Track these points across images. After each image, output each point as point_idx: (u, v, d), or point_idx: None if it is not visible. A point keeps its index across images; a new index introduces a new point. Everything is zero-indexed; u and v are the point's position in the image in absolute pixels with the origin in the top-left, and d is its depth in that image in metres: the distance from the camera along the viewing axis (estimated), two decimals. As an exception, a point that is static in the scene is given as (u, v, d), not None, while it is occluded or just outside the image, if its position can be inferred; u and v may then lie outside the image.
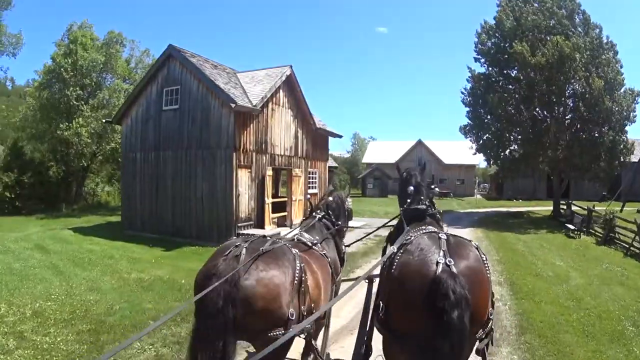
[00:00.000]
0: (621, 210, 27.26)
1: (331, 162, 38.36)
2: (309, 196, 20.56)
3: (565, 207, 28.64)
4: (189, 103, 17.85)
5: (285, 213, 20.57)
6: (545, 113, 29.51)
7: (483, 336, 3.60)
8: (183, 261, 13.94)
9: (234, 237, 5.14)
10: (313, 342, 4.31)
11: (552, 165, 30.11)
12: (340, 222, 5.93)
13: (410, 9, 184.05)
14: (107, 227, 22.06)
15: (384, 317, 3.63)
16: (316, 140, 23.17)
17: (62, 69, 28.75)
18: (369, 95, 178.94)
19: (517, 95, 29.09)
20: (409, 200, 4.81)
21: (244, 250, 3.61)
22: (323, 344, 5.35)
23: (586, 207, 24.79)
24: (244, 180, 17.14)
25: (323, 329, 5.21)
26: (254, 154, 17.75)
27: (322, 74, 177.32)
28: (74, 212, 28.27)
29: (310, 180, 22.92)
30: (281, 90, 19.68)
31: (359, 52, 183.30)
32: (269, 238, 4.12)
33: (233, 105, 16.01)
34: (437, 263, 3.26)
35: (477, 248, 3.67)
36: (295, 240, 4.75)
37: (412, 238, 3.73)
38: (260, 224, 17.98)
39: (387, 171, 55.93)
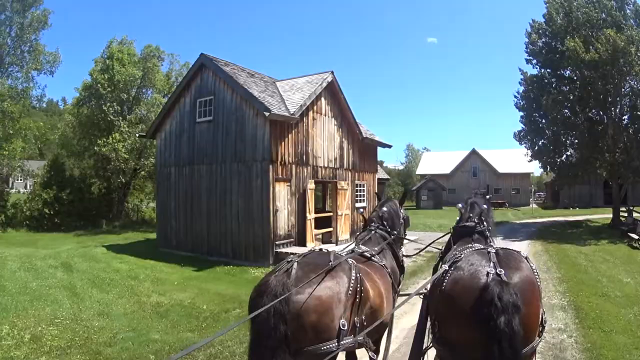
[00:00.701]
0: None
1: (382, 174, 36.55)
2: (362, 210, 19.90)
3: (626, 214, 25.87)
4: (222, 114, 16.57)
5: (331, 229, 18.76)
6: (602, 114, 26.84)
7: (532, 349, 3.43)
8: (212, 283, 12.83)
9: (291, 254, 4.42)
10: (371, 353, 4.16)
11: (610, 170, 27.42)
12: (395, 232, 5.70)
13: (459, 16, 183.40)
14: (143, 244, 21.08)
15: (438, 334, 3.58)
16: (364, 150, 21.34)
17: (99, 85, 28.47)
18: (422, 106, 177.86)
19: (571, 97, 26.51)
20: (458, 218, 5.05)
21: (295, 265, 3.53)
22: (385, 354, 5.06)
23: None
24: (282, 194, 15.57)
25: (385, 340, 5.01)
26: (293, 166, 16.17)
27: (374, 86, 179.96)
28: (114, 228, 27.58)
29: (358, 193, 21.09)
30: (323, 98, 18.06)
31: (410, 64, 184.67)
32: (325, 251, 4.02)
33: (267, 114, 14.51)
34: (488, 274, 3.26)
35: (526, 258, 3.66)
36: (354, 253, 4.58)
37: (462, 255, 3.74)
38: (302, 242, 16.30)
39: (442, 182, 54.69)
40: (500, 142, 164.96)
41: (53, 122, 36.62)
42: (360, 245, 4.97)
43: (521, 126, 29.82)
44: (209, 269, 14.75)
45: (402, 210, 6.13)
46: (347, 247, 5.02)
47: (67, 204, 27.76)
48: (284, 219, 15.65)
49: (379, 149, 23.53)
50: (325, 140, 18.22)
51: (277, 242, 15.23)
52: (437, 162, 64.35)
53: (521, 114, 29.51)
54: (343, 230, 18.84)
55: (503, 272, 3.24)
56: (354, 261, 3.93)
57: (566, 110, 26.68)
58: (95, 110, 29.12)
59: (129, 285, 12.15)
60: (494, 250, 3.62)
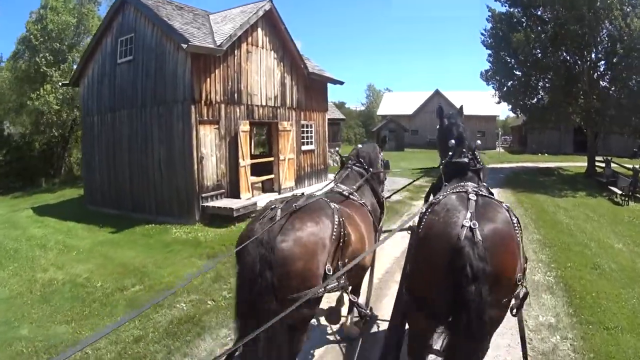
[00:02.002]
0: None
1: (337, 114, 33.89)
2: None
3: (603, 164, 23.61)
4: (143, 52, 13.87)
5: (272, 176, 16.23)
6: (576, 58, 24.16)
7: (513, 302, 3.20)
8: (123, 248, 10.86)
9: (273, 199, 3.97)
10: (351, 296, 3.96)
11: (585, 117, 25.16)
12: (371, 169, 5.31)
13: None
14: (72, 203, 18.70)
15: (409, 281, 3.54)
16: (310, 87, 18.38)
17: (32, 36, 25.88)
18: (385, 46, 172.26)
19: (543, 36, 23.57)
20: (450, 153, 4.32)
21: (278, 212, 3.37)
22: (368, 295, 5.38)
23: (632, 167, 20.11)
24: (209, 138, 13.00)
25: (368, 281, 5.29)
26: (222, 106, 13.51)
27: (334, 24, 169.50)
28: (53, 186, 25.26)
29: (305, 134, 18.32)
30: (259, 29, 15.23)
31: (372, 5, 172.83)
32: (304, 194, 3.84)
33: (185, 46, 11.90)
34: (463, 226, 2.99)
35: (508, 210, 3.31)
36: (332, 191, 4.55)
37: (441, 197, 3.47)
38: (235, 192, 13.82)
39: (404, 123, 51.44)
40: (465, 85, 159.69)
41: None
42: (338, 184, 4.82)
43: (488, 65, 27.15)
44: (129, 229, 12.62)
45: (381, 154, 5.77)
46: (326, 185, 4.86)
47: (4, 165, 25.70)
48: (211, 167, 13.13)
49: (339, 89, 21.06)
50: (263, 76, 15.44)
51: (203, 195, 12.76)
52: (399, 102, 60.06)
53: (489, 52, 26.84)
54: (287, 176, 16.42)
55: (477, 225, 2.97)
56: (336, 205, 3.80)
57: (538, 51, 23.96)
58: (31, 63, 26.35)
59: (32, 257, 10.62)
60: (474, 198, 3.28)
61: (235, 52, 14.08)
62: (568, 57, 24.42)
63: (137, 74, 14.03)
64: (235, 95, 14.08)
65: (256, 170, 15.60)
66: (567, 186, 21.30)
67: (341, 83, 20.01)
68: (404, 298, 3.62)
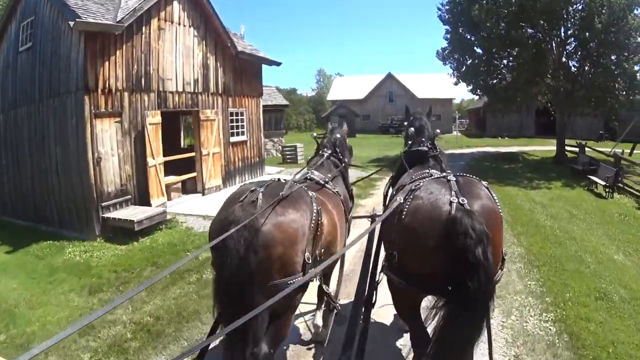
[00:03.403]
0: (630, 154, 20.90)
1: (281, 100, 31.74)
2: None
3: (575, 149, 22.50)
4: (41, 37, 11.54)
5: (194, 174, 13.98)
6: (546, 34, 22.54)
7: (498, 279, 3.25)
8: (7, 277, 8.80)
9: (247, 183, 3.82)
10: (325, 287, 4.11)
11: (555, 98, 23.77)
12: (346, 159, 5.59)
13: None
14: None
15: (397, 264, 3.36)
16: (241, 70, 15.94)
17: None
18: (336, 30, 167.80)
19: (506, 11, 21.42)
20: (410, 142, 4.89)
21: (260, 196, 3.26)
22: (337, 287, 5.52)
23: (612, 152, 18.82)
24: (108, 135, 10.67)
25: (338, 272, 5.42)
26: (126, 94, 11.15)
27: (282, 9, 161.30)
28: None
29: (235, 123, 15.90)
30: (175, 2, 12.80)
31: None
32: (284, 180, 3.83)
33: (71, 24, 9.64)
34: (451, 203, 3.04)
35: (487, 187, 3.40)
36: (307, 179, 4.57)
37: (421, 184, 3.45)
38: (144, 198, 11.54)
39: (355, 108, 49.34)
40: (418, 68, 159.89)
41: None
42: (313, 171, 4.78)
43: (445, 43, 25.23)
44: (25, 248, 10.33)
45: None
46: (300, 172, 4.73)
47: None
48: (113, 169, 10.79)
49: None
50: (179, 57, 13.02)
51: (104, 204, 10.44)
52: (350, 87, 57.82)
53: (446, 27, 24.86)
54: (212, 174, 14.20)
55: (465, 201, 3.03)
56: (314, 193, 3.76)
57: (502, 26, 21.81)
58: None
59: None
60: (454, 178, 3.35)
61: (143, 29, 11.68)
62: (536, 33, 22.62)
63: (35, 63, 11.70)
64: (143, 80, 11.68)
65: (178, 168, 13.44)
66: (537, 175, 19.82)
67: (278, 64, 17.58)
68: (392, 279, 3.52)
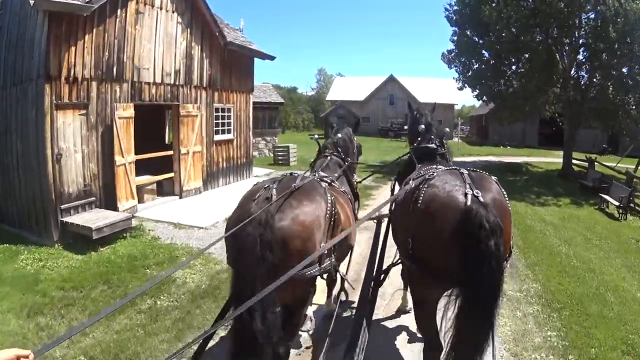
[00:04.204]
0: (636, 170, 19.66)
1: (276, 97, 30.54)
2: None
3: (583, 163, 21.46)
4: (9, 18, 10.30)
5: (172, 174, 12.75)
6: (557, 41, 21.27)
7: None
8: None
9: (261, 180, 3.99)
10: (340, 272, 4.13)
11: (564, 108, 22.64)
12: (349, 159, 5.66)
13: None
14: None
15: (412, 251, 3.39)
16: (231, 62, 14.73)
17: None
18: (338, 29, 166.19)
19: (514, 15, 20.08)
20: (419, 139, 4.92)
21: (274, 192, 3.32)
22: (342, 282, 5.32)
23: (625, 170, 17.72)
24: (72, 129, 9.43)
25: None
26: (93, 84, 9.90)
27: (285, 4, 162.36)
28: None
29: (221, 120, 14.66)
30: (157, -17, 11.48)
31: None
32: (297, 175, 3.88)
33: (32, 1, 8.43)
34: (466, 194, 3.10)
35: (496, 182, 3.49)
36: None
37: (435, 174, 3.53)
38: (111, 201, 10.31)
39: (355, 109, 48.54)
40: (422, 71, 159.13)
41: None
42: (319, 171, 4.84)
43: (452, 45, 24.01)
44: None
45: (354, 138, 6.13)
46: (305, 173, 4.41)
47: None
48: (75, 167, 9.55)
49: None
50: (159, 44, 11.75)
51: (64, 206, 9.21)
52: (351, 88, 56.76)
53: (454, 29, 23.65)
54: (191, 175, 13.00)
55: (480, 193, 3.09)
56: (326, 184, 3.86)
57: (513, 30, 20.70)
58: None
59: None
60: (467, 172, 3.44)
61: (118, 12, 10.43)
62: (547, 39, 21.31)
63: (2, 46, 10.49)
64: (115, 69, 10.43)
65: (157, 167, 12.28)
66: (544, 189, 18.73)
67: (272, 58, 16.36)
68: (407, 267, 3.63)
